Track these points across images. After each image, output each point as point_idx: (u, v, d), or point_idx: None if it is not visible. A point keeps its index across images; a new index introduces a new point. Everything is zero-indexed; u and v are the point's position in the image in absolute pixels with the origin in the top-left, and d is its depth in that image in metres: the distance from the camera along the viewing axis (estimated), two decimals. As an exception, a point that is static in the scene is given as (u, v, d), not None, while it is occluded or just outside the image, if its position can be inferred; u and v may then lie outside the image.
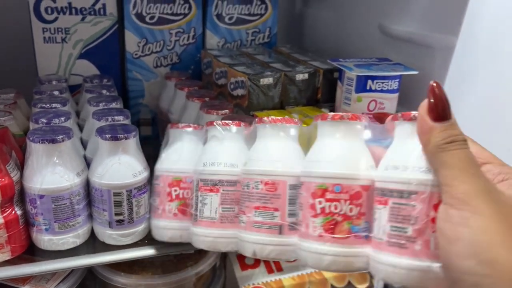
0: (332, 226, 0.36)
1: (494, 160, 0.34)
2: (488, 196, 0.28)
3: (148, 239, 0.55)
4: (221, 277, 0.66)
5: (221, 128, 0.45)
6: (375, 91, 0.59)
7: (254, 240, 0.40)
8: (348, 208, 0.36)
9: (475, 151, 0.32)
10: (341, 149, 0.38)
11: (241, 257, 0.69)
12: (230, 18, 0.83)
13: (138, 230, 0.53)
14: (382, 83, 0.59)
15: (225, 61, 0.69)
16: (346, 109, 0.61)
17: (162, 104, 0.77)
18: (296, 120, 0.43)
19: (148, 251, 0.53)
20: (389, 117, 0.38)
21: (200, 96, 0.65)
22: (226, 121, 0.46)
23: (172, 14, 0.79)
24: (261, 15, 0.85)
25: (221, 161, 0.44)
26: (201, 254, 0.62)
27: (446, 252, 0.29)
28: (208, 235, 0.44)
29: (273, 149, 0.41)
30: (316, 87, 0.66)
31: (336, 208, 0.36)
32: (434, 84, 0.33)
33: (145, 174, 0.52)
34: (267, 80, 0.61)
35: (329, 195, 0.36)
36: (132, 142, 0.51)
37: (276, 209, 0.39)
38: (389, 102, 0.60)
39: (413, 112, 0.36)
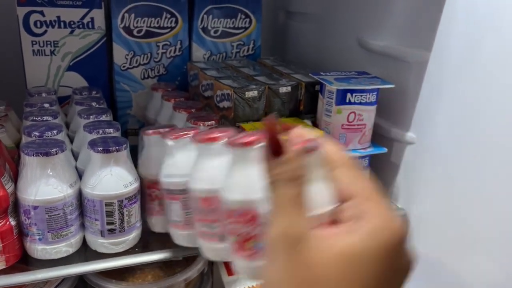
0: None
1: (360, 194, 0.28)
2: (285, 243, 0.26)
3: (138, 247, 0.57)
4: (208, 282, 0.68)
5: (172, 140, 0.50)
6: (354, 103, 0.62)
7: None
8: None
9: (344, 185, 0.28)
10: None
11: (228, 263, 0.71)
12: (215, 32, 0.86)
13: (129, 238, 0.55)
14: (361, 96, 0.62)
15: (211, 74, 0.72)
16: (327, 120, 0.64)
17: (149, 115, 0.79)
18: None
19: (138, 259, 0.55)
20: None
21: (187, 107, 0.67)
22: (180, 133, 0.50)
23: (159, 27, 0.82)
24: (245, 28, 0.88)
25: (177, 173, 0.50)
26: (188, 261, 0.64)
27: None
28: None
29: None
30: (299, 99, 0.69)
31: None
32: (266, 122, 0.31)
33: (135, 185, 0.54)
34: (252, 93, 0.64)
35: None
36: (123, 154, 0.53)
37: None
38: (367, 114, 0.63)
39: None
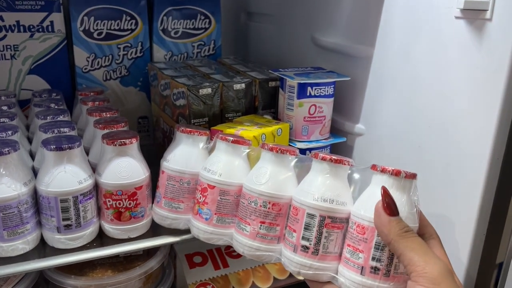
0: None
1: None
2: (450, 277, 0.36)
3: (96, 242, 0.58)
4: (170, 275, 0.70)
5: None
6: (315, 96, 0.65)
7: None
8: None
9: None
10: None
11: (189, 256, 0.73)
12: (175, 32, 0.88)
13: (86, 233, 0.57)
14: (320, 89, 0.65)
15: (168, 73, 0.74)
16: (289, 114, 0.67)
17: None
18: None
19: (96, 253, 0.56)
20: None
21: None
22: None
23: (119, 29, 0.83)
24: (205, 29, 0.90)
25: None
26: (149, 254, 0.66)
27: None
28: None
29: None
30: (254, 95, 0.71)
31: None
32: (385, 189, 0.40)
33: (90, 181, 0.56)
34: (205, 90, 0.66)
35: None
36: (77, 152, 0.54)
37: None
38: (326, 106, 0.67)
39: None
